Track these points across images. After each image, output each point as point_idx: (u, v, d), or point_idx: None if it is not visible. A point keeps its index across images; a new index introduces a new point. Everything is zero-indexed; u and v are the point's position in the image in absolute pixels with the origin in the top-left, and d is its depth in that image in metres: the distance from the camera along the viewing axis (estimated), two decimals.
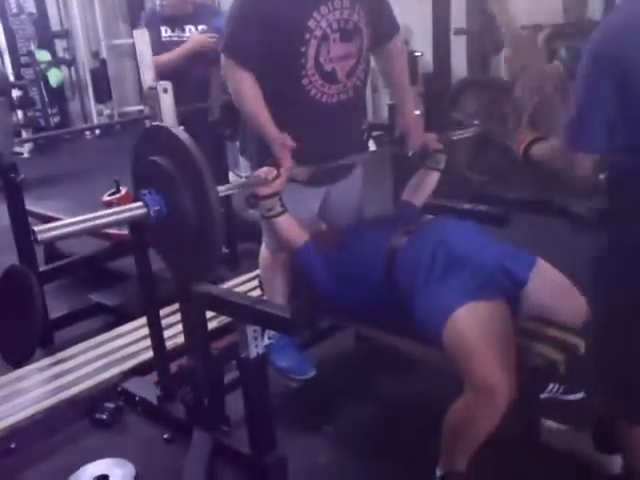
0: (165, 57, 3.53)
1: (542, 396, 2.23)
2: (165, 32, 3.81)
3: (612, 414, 1.78)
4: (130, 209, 1.71)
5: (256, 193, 2.02)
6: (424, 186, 2.39)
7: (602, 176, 1.61)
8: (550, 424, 2.11)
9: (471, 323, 1.80)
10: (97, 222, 1.68)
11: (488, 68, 6.25)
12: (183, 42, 3.74)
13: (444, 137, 2.43)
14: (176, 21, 3.84)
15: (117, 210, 1.73)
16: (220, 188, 1.78)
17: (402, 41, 2.39)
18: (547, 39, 5.11)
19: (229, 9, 2.13)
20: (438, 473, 1.90)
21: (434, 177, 2.40)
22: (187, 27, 3.93)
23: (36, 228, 1.56)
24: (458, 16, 5.33)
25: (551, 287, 2.00)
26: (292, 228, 2.11)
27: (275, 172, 2.00)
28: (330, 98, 2.16)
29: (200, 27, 3.90)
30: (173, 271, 1.96)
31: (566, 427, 2.10)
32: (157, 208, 1.68)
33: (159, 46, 3.67)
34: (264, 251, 2.42)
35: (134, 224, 2.19)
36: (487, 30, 5.44)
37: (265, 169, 2.02)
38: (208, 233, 1.65)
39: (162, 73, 2.99)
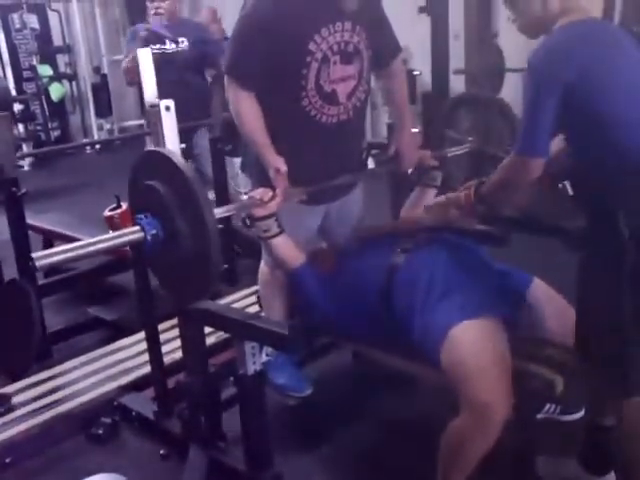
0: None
1: (539, 416, 2.23)
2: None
3: (607, 394, 1.81)
4: (127, 233, 1.71)
5: (252, 214, 2.03)
6: (421, 204, 2.41)
7: (564, 184, 1.79)
8: (543, 457, 2.10)
9: (468, 342, 1.80)
10: (94, 247, 1.67)
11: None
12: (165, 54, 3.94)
13: (439, 154, 2.45)
14: (157, 38, 3.95)
15: (114, 235, 1.74)
16: (217, 210, 1.80)
17: (402, 61, 2.41)
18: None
19: (233, 29, 2.14)
20: None
21: (431, 194, 2.42)
22: (167, 41, 4.04)
23: (34, 255, 1.57)
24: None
25: (547, 306, 2.01)
26: (288, 249, 2.12)
27: (270, 193, 2.01)
28: (330, 119, 2.17)
29: (180, 39, 4.02)
30: (171, 294, 1.97)
31: (557, 457, 2.11)
32: (154, 232, 1.69)
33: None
34: (263, 268, 2.43)
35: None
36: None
37: (261, 190, 2.03)
38: (205, 257, 1.66)
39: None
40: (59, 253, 1.62)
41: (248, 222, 2.06)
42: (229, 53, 2.16)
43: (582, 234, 1.76)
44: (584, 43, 1.62)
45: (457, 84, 5.50)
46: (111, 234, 1.76)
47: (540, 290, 2.06)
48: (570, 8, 1.67)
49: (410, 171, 2.43)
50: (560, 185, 1.83)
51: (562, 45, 1.63)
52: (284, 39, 2.03)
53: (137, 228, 1.70)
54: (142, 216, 1.70)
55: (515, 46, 5.61)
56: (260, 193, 2.02)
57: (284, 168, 2.08)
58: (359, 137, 2.42)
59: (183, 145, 2.31)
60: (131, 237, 1.71)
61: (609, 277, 1.65)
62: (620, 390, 1.71)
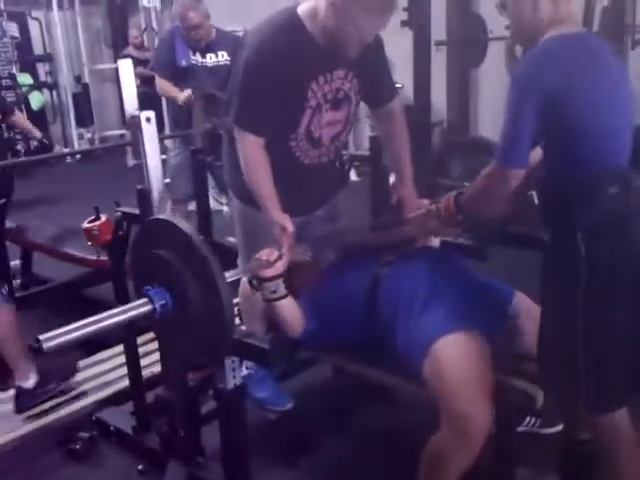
0: (166, 88, 3.95)
1: (519, 429, 2.23)
2: (193, 55, 3.98)
3: (585, 410, 1.80)
4: (135, 307, 1.68)
5: (260, 275, 1.99)
6: None
7: (533, 193, 1.76)
8: (523, 471, 2.09)
9: (449, 357, 1.80)
10: (102, 325, 1.62)
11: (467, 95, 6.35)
12: (205, 67, 3.96)
13: (437, 202, 2.43)
14: (200, 47, 3.95)
15: (121, 310, 1.68)
16: (227, 274, 1.77)
17: (399, 102, 2.34)
18: (525, 50, 5.17)
19: (242, 75, 2.05)
20: None
21: (434, 242, 2.39)
22: (208, 55, 4.03)
23: (41, 337, 1.53)
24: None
25: (529, 319, 2.01)
26: (292, 315, 2.08)
27: (277, 254, 1.98)
28: (311, 160, 2.18)
29: (220, 53, 4.02)
30: (184, 364, 1.94)
31: (537, 471, 2.11)
32: (162, 302, 1.66)
33: (170, 68, 3.84)
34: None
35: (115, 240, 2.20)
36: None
37: (267, 251, 1.99)
38: (219, 325, 1.64)
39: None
40: (65, 334, 1.57)
41: (255, 284, 2.01)
42: (238, 102, 2.08)
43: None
44: (566, 56, 1.64)
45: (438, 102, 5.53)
46: (119, 309, 1.68)
47: (522, 304, 2.06)
48: (561, 18, 1.67)
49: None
50: (528, 193, 1.83)
51: (545, 58, 1.64)
52: (285, 86, 2.00)
53: (145, 300, 1.67)
54: (149, 287, 1.67)
55: (498, 15, 5.68)
56: (266, 254, 1.98)
57: (291, 228, 2.05)
58: (335, 170, 2.38)
59: (164, 156, 2.30)
60: (140, 310, 1.67)
61: (562, 292, 1.68)
62: (585, 406, 1.72)
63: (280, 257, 1.97)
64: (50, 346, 1.53)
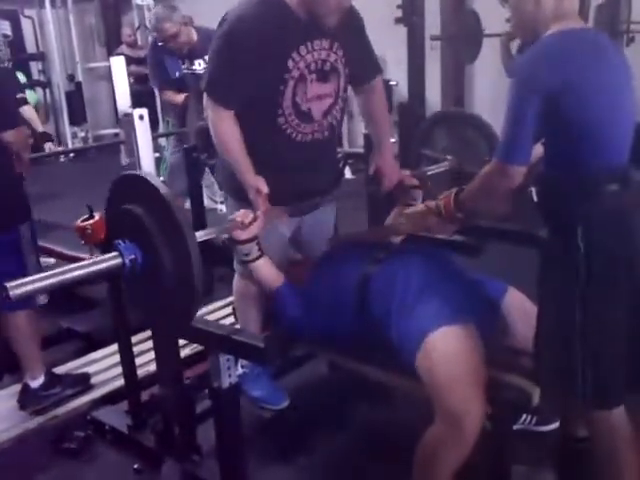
0: (168, 97, 4.15)
1: (515, 427, 2.23)
2: (182, 64, 4.06)
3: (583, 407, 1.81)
4: (105, 259, 1.68)
5: (233, 238, 2.00)
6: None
7: (532, 189, 1.75)
8: (519, 468, 2.10)
9: (442, 351, 1.80)
10: (70, 275, 1.63)
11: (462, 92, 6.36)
12: (195, 75, 4.00)
13: (419, 173, 2.44)
14: (184, 54, 3.97)
15: (91, 262, 1.69)
16: (198, 234, 1.77)
17: (381, 79, 2.38)
18: (520, 47, 5.18)
19: (211, 47, 2.11)
20: None
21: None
22: (197, 61, 4.04)
23: (8, 284, 1.53)
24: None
25: (522, 315, 2.01)
26: (269, 271, 2.10)
27: (251, 216, 1.99)
28: (304, 137, 2.16)
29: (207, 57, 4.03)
30: (150, 319, 1.94)
31: (533, 468, 2.11)
32: (132, 257, 1.66)
33: (168, 82, 3.90)
34: (238, 279, 2.41)
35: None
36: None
37: (242, 212, 2.00)
38: (187, 281, 1.63)
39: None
40: (33, 282, 1.58)
41: (230, 246, 2.03)
42: (209, 72, 2.13)
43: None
44: (569, 52, 1.63)
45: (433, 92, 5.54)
46: (89, 260, 1.71)
47: (515, 299, 2.06)
48: (563, 14, 1.67)
49: (351, 162, 2.41)
50: (528, 190, 1.83)
51: (547, 55, 1.63)
52: (263, 57, 2.01)
53: (115, 254, 1.67)
54: (120, 241, 1.67)
55: (493, 11, 5.67)
56: (241, 216, 1.99)
57: (265, 189, 2.06)
58: (333, 152, 2.41)
59: (157, 154, 2.30)
60: (109, 263, 1.67)
61: (561, 289, 1.68)
62: (582, 403, 1.72)
63: (255, 219, 1.98)
64: (17, 294, 1.53)
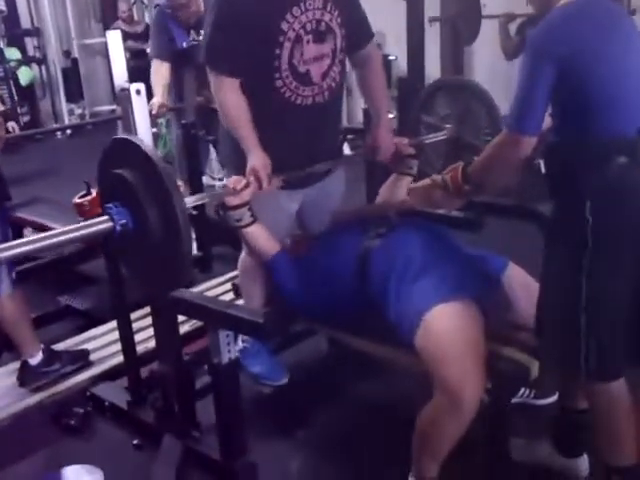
0: (156, 80, 3.76)
1: (513, 401, 2.24)
2: (189, 35, 3.88)
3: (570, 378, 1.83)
4: (95, 223, 1.67)
5: (225, 203, 2.01)
6: (397, 192, 2.39)
7: (540, 161, 1.73)
8: (517, 440, 2.11)
9: (442, 326, 1.80)
10: (62, 238, 1.64)
11: (461, 70, 6.30)
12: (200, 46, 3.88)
13: (416, 142, 2.43)
14: (191, 24, 3.87)
15: (83, 225, 1.69)
16: (188, 199, 1.77)
17: (376, 47, 2.37)
18: (519, 29, 5.15)
19: (206, 18, 2.10)
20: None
21: (407, 182, 2.40)
22: (203, 32, 3.93)
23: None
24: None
25: (522, 290, 2.01)
26: (263, 238, 2.11)
27: (244, 182, 1.99)
28: (305, 100, 2.14)
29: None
30: (141, 284, 1.94)
31: (531, 440, 2.12)
32: (123, 222, 1.65)
33: (173, 53, 3.72)
34: (244, 256, 2.39)
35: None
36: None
37: (234, 179, 2.01)
38: (176, 246, 1.63)
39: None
40: (24, 244, 1.58)
41: (221, 212, 2.03)
42: (208, 41, 2.11)
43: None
44: (581, 21, 1.62)
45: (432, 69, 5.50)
46: (79, 224, 1.71)
47: (515, 274, 2.06)
48: None
49: (351, 138, 2.41)
50: (535, 162, 1.81)
51: (560, 22, 1.62)
52: (256, 20, 2.00)
53: (106, 218, 1.66)
54: (111, 205, 1.66)
55: None
56: (233, 182, 1.99)
57: (269, 168, 2.05)
58: (335, 120, 2.39)
59: (154, 129, 2.28)
60: (100, 227, 1.66)
61: (567, 260, 1.67)
62: (580, 375, 1.73)
63: (247, 185, 1.98)
64: (6, 256, 1.52)
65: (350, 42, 2.22)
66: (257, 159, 2.05)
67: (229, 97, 2.09)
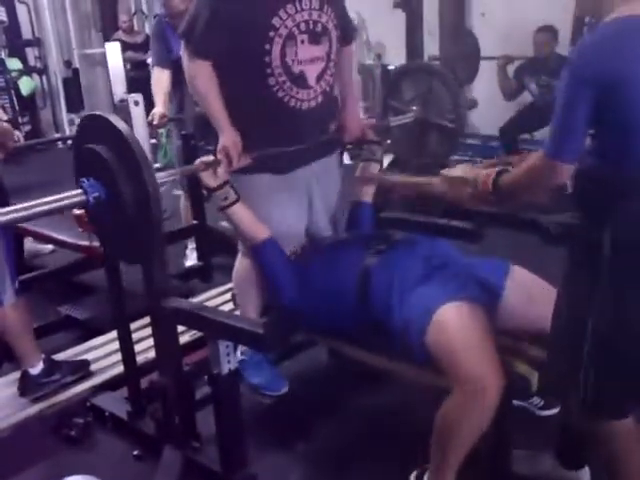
0: (156, 90, 3.68)
1: (515, 403, 2.22)
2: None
3: (589, 416, 1.74)
4: (70, 196, 1.78)
5: (207, 186, 2.08)
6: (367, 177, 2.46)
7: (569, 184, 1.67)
8: (519, 452, 2.08)
9: (455, 320, 1.79)
10: (37, 209, 1.75)
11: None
12: None
13: (381, 125, 2.54)
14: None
15: (57, 198, 1.78)
16: (160, 174, 1.89)
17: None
18: (517, 73, 5.22)
19: (195, 3, 2.13)
20: None
21: (374, 168, 2.48)
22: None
23: None
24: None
25: (529, 290, 1.99)
26: (251, 220, 2.13)
27: (212, 158, 2.08)
28: (299, 103, 2.15)
29: None
30: (117, 255, 2.07)
31: (532, 452, 2.10)
32: (96, 195, 1.74)
33: (170, 61, 3.70)
34: (240, 260, 2.39)
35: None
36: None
37: (203, 158, 2.09)
38: (146, 217, 1.72)
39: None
40: (3, 215, 1.69)
41: (206, 193, 2.11)
42: (187, 18, 2.14)
43: (560, 230, 1.74)
44: (624, 43, 1.51)
45: None
46: (55, 197, 1.79)
47: (520, 275, 2.04)
48: None
49: (350, 147, 2.48)
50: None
51: (601, 43, 1.53)
52: (247, 12, 2.02)
53: (80, 191, 1.75)
54: (84, 179, 1.76)
55: (490, 34, 5.70)
56: (203, 160, 2.07)
57: (239, 140, 2.11)
58: (328, 124, 2.41)
59: (154, 140, 2.29)
60: (74, 200, 1.78)
61: (580, 288, 1.62)
62: (579, 408, 1.66)
63: (217, 162, 2.06)
64: None
65: (340, 40, 2.26)
66: (227, 137, 2.10)
67: (203, 78, 2.13)
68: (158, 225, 1.75)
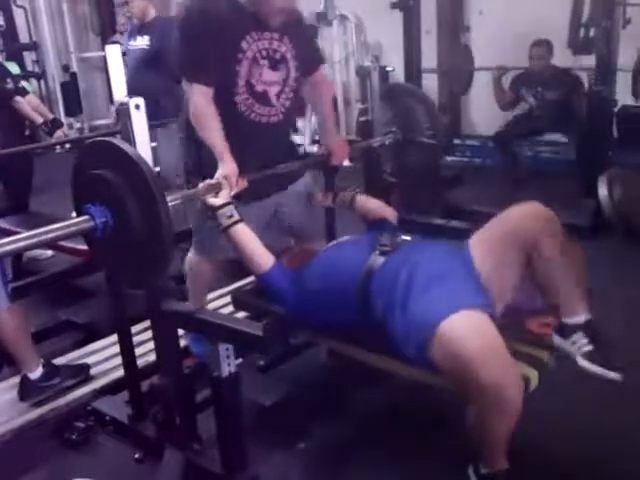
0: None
1: None
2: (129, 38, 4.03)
3: None
4: (77, 223, 1.72)
5: (210, 206, 2.08)
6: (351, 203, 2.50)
7: None
8: None
9: (462, 331, 1.74)
10: (44, 237, 1.68)
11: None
12: (129, 49, 4.04)
13: (362, 145, 2.73)
14: (136, 27, 3.91)
15: (64, 224, 1.73)
16: (169, 197, 1.81)
17: (325, 74, 2.65)
18: (512, 83, 5.24)
19: (179, 32, 2.28)
20: (483, 471, 1.90)
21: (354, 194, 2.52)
22: (138, 37, 4.00)
23: None
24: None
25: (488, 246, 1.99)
26: (256, 244, 2.11)
27: (215, 182, 2.11)
28: (261, 118, 2.33)
29: (144, 37, 3.98)
30: (124, 281, 2.04)
31: None
32: (104, 220, 1.70)
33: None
34: (191, 256, 2.60)
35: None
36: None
37: (208, 182, 2.11)
38: (158, 244, 1.67)
39: None
40: (7, 244, 1.61)
41: (211, 214, 2.11)
42: (183, 56, 2.28)
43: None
44: None
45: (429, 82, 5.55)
46: (61, 223, 1.74)
47: (476, 246, 2.03)
48: None
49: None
50: None
51: None
52: (221, 36, 2.18)
53: (87, 217, 1.70)
54: (90, 205, 1.71)
55: (484, 45, 5.72)
56: (208, 185, 2.10)
57: (237, 171, 2.17)
58: (288, 133, 2.65)
59: (154, 144, 2.29)
60: (81, 226, 1.72)
61: None
62: None
63: (219, 185, 2.10)
64: None
65: (304, 67, 2.42)
66: (227, 166, 2.17)
67: (202, 106, 2.23)
68: (170, 248, 1.70)
